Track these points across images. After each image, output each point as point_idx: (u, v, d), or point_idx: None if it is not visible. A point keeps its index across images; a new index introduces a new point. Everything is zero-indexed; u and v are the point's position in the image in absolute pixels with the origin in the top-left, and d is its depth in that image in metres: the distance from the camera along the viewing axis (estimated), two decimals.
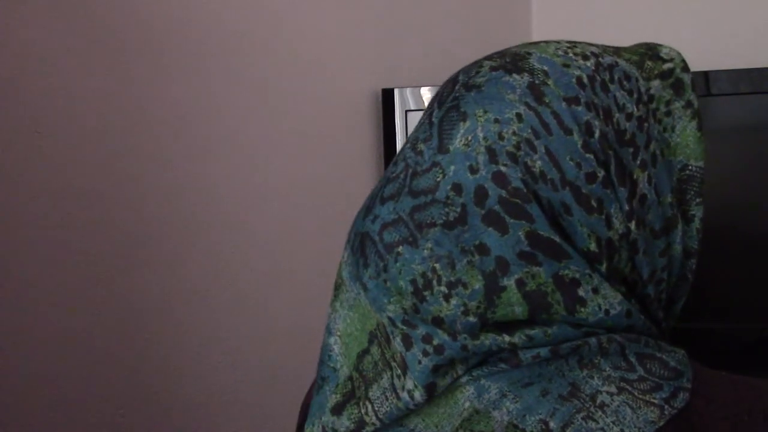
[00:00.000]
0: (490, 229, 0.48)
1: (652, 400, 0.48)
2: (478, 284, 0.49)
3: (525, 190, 0.49)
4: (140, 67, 1.06)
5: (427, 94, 1.34)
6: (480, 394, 0.50)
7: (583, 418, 0.48)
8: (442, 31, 1.45)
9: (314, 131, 1.26)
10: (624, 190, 0.51)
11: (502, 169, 0.49)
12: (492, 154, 0.49)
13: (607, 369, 0.49)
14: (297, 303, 1.24)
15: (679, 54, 0.57)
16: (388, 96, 1.33)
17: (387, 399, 0.51)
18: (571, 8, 1.57)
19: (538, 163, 0.49)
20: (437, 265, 0.49)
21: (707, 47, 1.37)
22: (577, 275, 0.49)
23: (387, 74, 1.35)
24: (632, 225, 0.51)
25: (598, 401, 0.48)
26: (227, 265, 1.17)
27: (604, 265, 0.50)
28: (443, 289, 0.49)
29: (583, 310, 0.49)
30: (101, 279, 1.03)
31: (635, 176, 0.52)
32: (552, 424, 0.48)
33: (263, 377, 1.21)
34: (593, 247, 0.49)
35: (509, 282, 0.48)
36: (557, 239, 0.48)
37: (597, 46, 0.55)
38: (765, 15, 1.38)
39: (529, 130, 0.50)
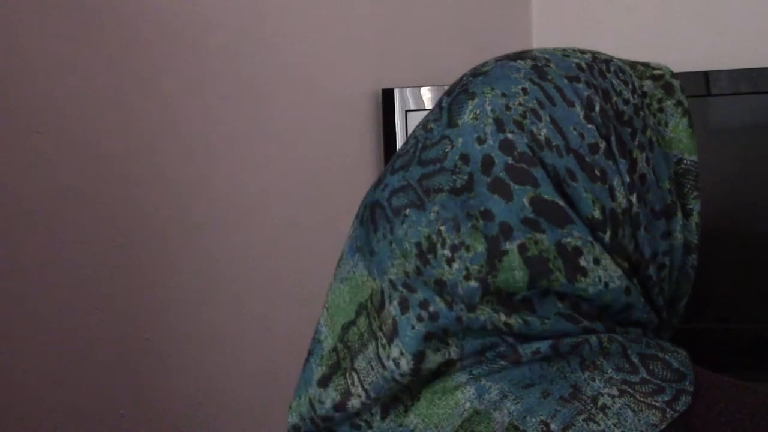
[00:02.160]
0: (496, 196, 0.50)
1: (653, 402, 0.48)
2: (480, 247, 0.49)
3: (531, 154, 0.50)
4: (140, 66, 1.06)
5: (427, 94, 1.34)
6: (481, 394, 0.50)
7: (584, 420, 0.48)
8: (443, 31, 1.45)
9: (314, 131, 1.27)
10: (625, 162, 0.52)
11: (509, 136, 0.51)
12: (499, 124, 0.51)
13: (609, 371, 0.49)
14: (297, 303, 1.24)
15: (667, 66, 0.60)
16: (388, 96, 1.33)
17: (373, 369, 0.52)
18: (571, 9, 1.57)
19: (544, 131, 0.51)
20: (443, 228, 0.50)
21: (707, 47, 1.37)
22: (579, 243, 0.49)
23: (387, 74, 1.35)
24: (633, 198, 0.52)
25: (600, 403, 0.48)
26: (227, 265, 1.17)
27: (608, 235, 0.51)
28: (446, 252, 0.50)
29: (583, 279, 0.49)
30: (101, 279, 1.03)
31: (634, 155, 0.53)
32: (553, 426, 0.48)
33: (263, 377, 1.21)
34: (597, 214, 0.50)
35: (511, 246, 0.49)
36: (561, 203, 0.49)
37: (591, 50, 0.58)
38: (765, 15, 1.38)
39: (534, 101, 0.52)
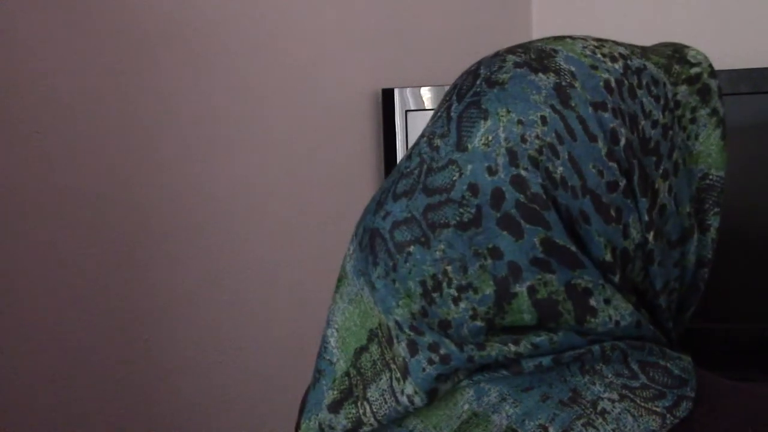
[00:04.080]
0: (505, 233, 0.47)
1: (654, 408, 0.47)
2: (489, 290, 0.48)
3: (544, 197, 0.47)
4: (140, 67, 1.06)
5: (427, 94, 1.33)
6: (479, 397, 0.50)
7: (583, 425, 0.47)
8: (442, 31, 1.45)
9: (314, 131, 1.26)
10: (645, 200, 0.50)
11: (522, 173, 0.48)
12: (513, 157, 0.48)
13: (610, 375, 0.49)
14: (296, 304, 1.24)
15: (706, 58, 0.56)
16: (388, 96, 1.33)
17: (386, 402, 0.51)
18: (571, 8, 1.57)
19: (560, 169, 0.48)
20: (449, 268, 0.49)
21: (708, 47, 1.37)
22: (590, 285, 0.48)
23: (387, 74, 1.35)
24: (650, 236, 0.50)
25: (599, 408, 0.48)
26: (227, 266, 1.17)
27: (618, 276, 0.49)
28: (453, 292, 0.48)
29: (592, 320, 0.48)
30: (101, 279, 1.03)
31: (656, 186, 0.51)
32: (551, 430, 0.48)
33: (263, 377, 1.21)
34: (608, 257, 0.48)
35: (521, 289, 0.47)
36: (573, 248, 0.47)
37: (625, 46, 0.54)
38: (765, 15, 1.38)
39: (553, 135, 0.48)
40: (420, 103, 1.33)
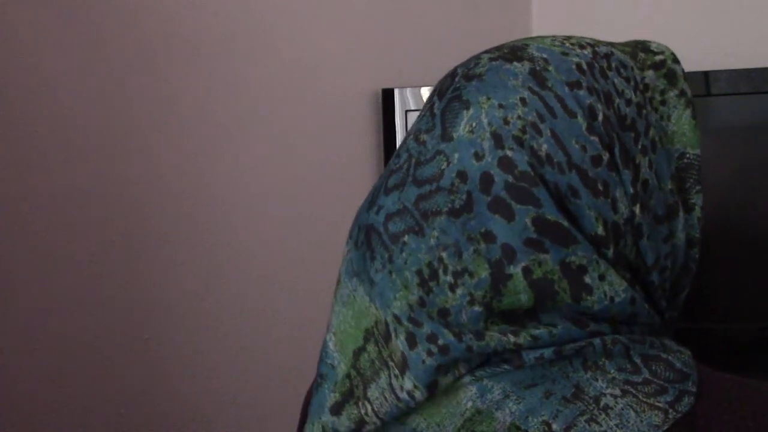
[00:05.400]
0: (497, 216, 0.48)
1: (656, 403, 0.48)
2: (484, 273, 0.48)
3: (532, 174, 0.48)
4: (140, 67, 1.06)
5: (427, 94, 1.34)
6: (483, 394, 0.50)
7: (586, 421, 0.47)
8: (442, 31, 1.45)
9: (314, 131, 1.26)
10: (628, 173, 0.51)
11: (508, 153, 0.49)
12: (497, 140, 0.49)
13: (612, 371, 0.49)
14: (296, 304, 1.24)
15: (668, 48, 0.58)
16: (388, 96, 1.33)
17: (386, 399, 0.51)
18: (571, 8, 1.57)
19: (544, 146, 0.49)
20: (444, 254, 0.49)
21: (707, 47, 1.37)
22: (584, 261, 0.48)
23: (387, 74, 1.35)
24: (636, 209, 0.51)
25: (602, 404, 0.48)
26: (227, 266, 1.17)
27: (611, 250, 0.50)
28: (449, 279, 0.49)
29: (588, 298, 0.48)
30: (101, 279, 1.03)
31: (637, 161, 0.52)
32: (555, 426, 0.48)
33: (263, 378, 1.21)
34: (600, 230, 0.49)
35: (516, 270, 0.48)
36: (565, 223, 0.48)
37: (591, 39, 0.56)
38: (765, 15, 1.38)
39: (534, 114, 0.50)
40: (420, 103, 1.33)
